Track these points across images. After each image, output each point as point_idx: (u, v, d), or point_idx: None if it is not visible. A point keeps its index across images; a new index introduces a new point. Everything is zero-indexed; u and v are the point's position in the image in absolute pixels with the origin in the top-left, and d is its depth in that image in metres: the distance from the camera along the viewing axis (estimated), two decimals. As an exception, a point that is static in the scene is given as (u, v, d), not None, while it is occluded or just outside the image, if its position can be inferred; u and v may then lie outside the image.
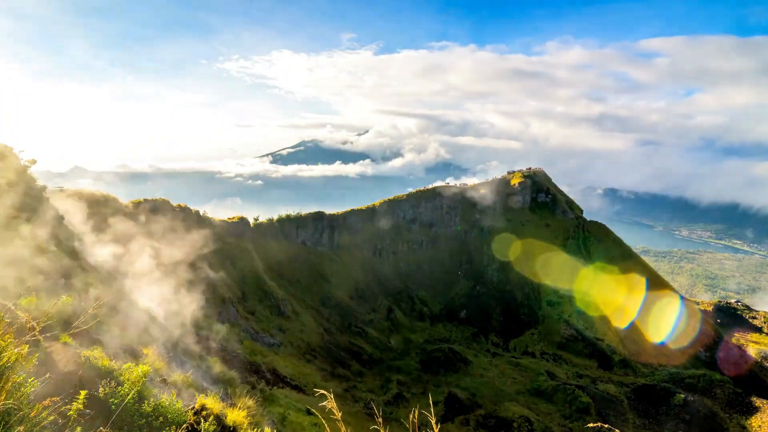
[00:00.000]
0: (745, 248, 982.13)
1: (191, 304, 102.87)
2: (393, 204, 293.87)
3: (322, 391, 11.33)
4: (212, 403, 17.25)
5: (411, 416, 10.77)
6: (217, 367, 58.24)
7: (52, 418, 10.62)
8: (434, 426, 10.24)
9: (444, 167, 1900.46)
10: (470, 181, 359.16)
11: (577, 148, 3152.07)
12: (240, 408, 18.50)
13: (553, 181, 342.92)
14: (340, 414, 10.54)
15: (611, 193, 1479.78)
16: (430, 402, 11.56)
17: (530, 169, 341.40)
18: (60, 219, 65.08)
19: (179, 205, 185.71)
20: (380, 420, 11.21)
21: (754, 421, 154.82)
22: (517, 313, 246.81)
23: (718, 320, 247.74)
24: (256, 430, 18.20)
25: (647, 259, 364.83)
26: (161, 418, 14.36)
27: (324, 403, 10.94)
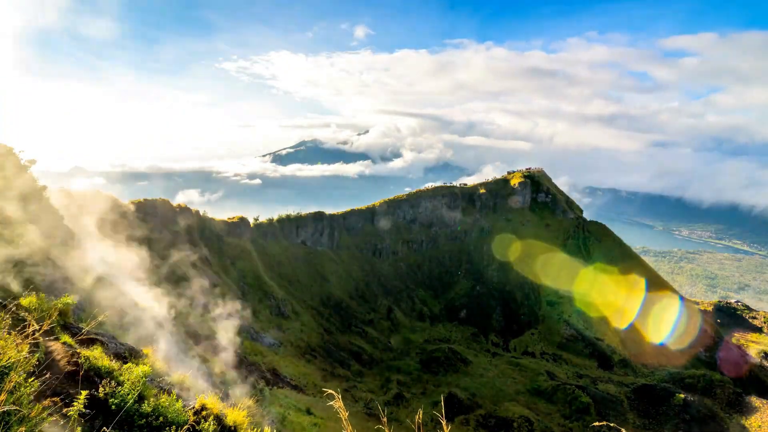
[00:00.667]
0: (745, 248, 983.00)
1: (191, 304, 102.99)
2: (393, 204, 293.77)
3: (330, 391, 11.30)
4: (212, 403, 17.23)
5: (417, 417, 10.75)
6: (218, 367, 58.36)
7: (52, 418, 10.62)
8: (444, 425, 10.22)
9: (444, 167, 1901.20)
10: (470, 181, 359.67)
11: (582, 148, 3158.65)
12: (240, 408, 18.48)
13: (554, 181, 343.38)
14: (347, 413, 10.48)
15: (612, 193, 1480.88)
16: (442, 402, 11.56)
17: (530, 169, 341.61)
18: (60, 219, 65.14)
19: (179, 204, 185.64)
20: (385, 419, 11.18)
21: (754, 421, 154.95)
22: (517, 313, 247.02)
23: (718, 320, 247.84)
24: (256, 430, 18.18)
25: (647, 259, 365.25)
26: (161, 418, 14.36)
27: (331, 403, 10.87)
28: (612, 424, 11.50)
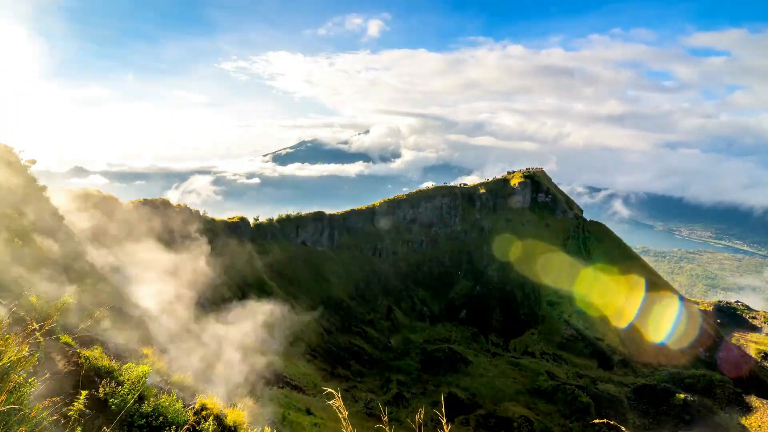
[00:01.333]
0: (745, 248, 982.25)
1: (191, 305, 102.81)
2: (393, 204, 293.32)
3: (329, 390, 11.30)
4: (212, 403, 17.25)
5: (417, 416, 10.74)
6: (218, 367, 58.30)
7: (52, 418, 10.62)
8: (444, 425, 10.23)
9: (444, 167, 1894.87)
10: (470, 180, 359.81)
11: (589, 149, 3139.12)
12: (240, 408, 18.49)
13: (555, 181, 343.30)
14: (347, 413, 10.47)
15: (612, 194, 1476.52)
16: (442, 402, 11.59)
17: (530, 169, 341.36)
18: (60, 219, 65.08)
19: (179, 204, 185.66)
20: (386, 419, 11.17)
21: (754, 421, 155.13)
22: (517, 313, 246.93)
23: (718, 320, 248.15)
24: (256, 430, 18.19)
25: (647, 259, 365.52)
26: (161, 418, 14.37)
27: (331, 402, 10.87)
28: (612, 422, 11.52)
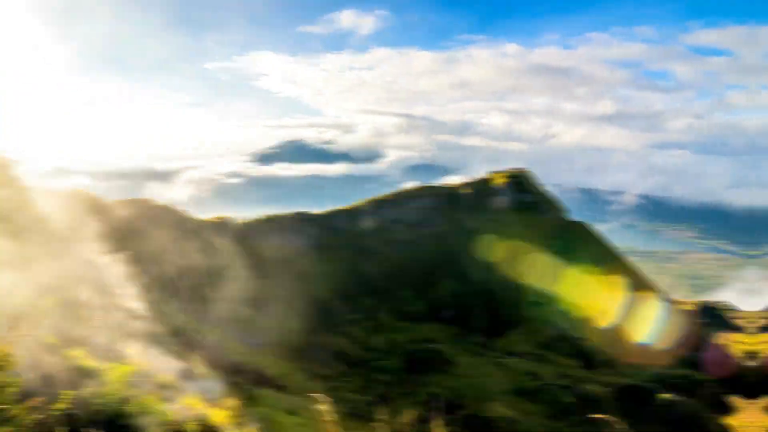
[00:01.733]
0: (729, 248, 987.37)
1: (175, 304, 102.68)
2: (376, 204, 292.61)
3: (315, 394, 11.41)
4: (196, 403, 17.28)
5: (401, 417, 10.87)
6: (201, 367, 58.17)
7: (35, 417, 10.63)
8: (431, 425, 10.33)
9: (429, 168, 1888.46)
10: (454, 180, 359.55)
11: (577, 148, 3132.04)
12: (223, 408, 18.52)
13: (539, 180, 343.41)
14: (330, 415, 10.56)
15: (597, 194, 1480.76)
16: (424, 403, 11.66)
17: (514, 168, 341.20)
18: (43, 220, 64.78)
19: (162, 204, 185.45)
20: (370, 419, 11.31)
21: (738, 422, 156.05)
22: (501, 314, 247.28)
23: (702, 320, 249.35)
24: (239, 430, 18.22)
25: (631, 259, 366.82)
26: (144, 418, 14.39)
27: (317, 406, 10.96)
28: (606, 416, 11.61)
